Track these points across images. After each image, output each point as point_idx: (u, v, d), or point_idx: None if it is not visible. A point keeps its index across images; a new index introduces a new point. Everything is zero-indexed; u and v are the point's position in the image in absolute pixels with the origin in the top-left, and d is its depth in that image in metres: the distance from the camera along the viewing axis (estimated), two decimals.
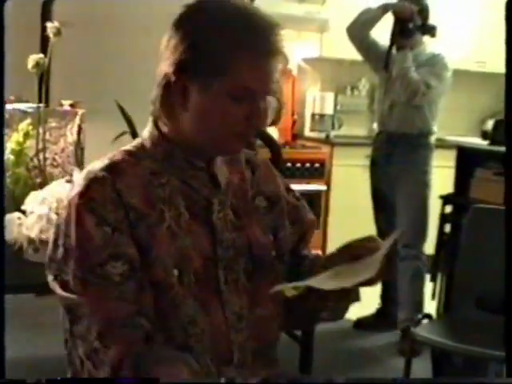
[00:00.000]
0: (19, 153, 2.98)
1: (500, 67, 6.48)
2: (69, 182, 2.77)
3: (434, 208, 4.77)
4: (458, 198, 4.48)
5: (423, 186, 4.66)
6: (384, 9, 4.78)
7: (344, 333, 4.81)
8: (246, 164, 1.81)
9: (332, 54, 6.56)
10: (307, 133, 6.81)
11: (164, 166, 1.64)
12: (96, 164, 1.61)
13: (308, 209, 1.91)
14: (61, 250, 1.56)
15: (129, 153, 1.66)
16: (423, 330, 3.39)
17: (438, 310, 4.63)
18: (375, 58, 4.95)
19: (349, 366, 4.25)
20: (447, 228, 4.72)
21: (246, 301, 1.67)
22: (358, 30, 4.91)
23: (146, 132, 1.69)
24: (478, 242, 3.67)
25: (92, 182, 1.55)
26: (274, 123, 4.18)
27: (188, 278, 1.58)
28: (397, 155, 4.77)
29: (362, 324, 4.95)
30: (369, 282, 1.55)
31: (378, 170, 4.92)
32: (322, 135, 6.66)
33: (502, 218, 3.70)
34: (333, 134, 6.68)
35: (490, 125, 6.42)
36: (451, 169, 4.76)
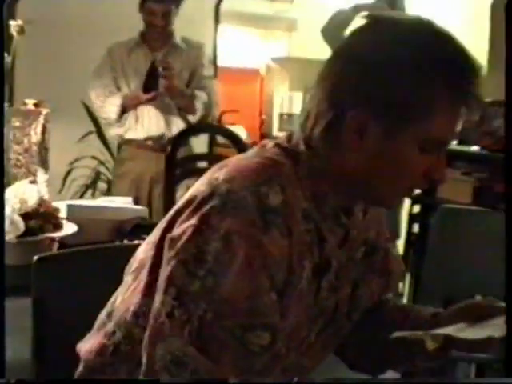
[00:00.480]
0: None
1: None
2: (32, 182, 2.72)
3: (403, 208, 4.76)
4: (425, 198, 4.48)
5: None
6: (355, 10, 4.77)
7: None
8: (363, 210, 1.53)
9: (300, 54, 6.54)
10: (275, 133, 6.78)
11: (311, 208, 1.35)
12: (253, 175, 1.28)
13: (397, 255, 1.68)
14: (197, 285, 1.23)
15: (285, 174, 1.33)
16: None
17: None
18: None
19: None
20: (415, 228, 4.72)
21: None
22: (332, 32, 4.91)
23: (295, 150, 1.37)
24: (446, 242, 3.67)
25: (266, 221, 1.24)
26: (204, 118, 4.15)
27: (279, 344, 1.30)
28: None
29: None
30: None
31: None
32: None
33: (469, 217, 3.73)
34: None
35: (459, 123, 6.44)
36: None
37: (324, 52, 6.25)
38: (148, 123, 4.04)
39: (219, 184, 1.27)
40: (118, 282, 1.47)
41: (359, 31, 1.35)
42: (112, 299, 1.46)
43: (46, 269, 1.74)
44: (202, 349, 1.22)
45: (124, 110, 4.02)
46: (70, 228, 2.56)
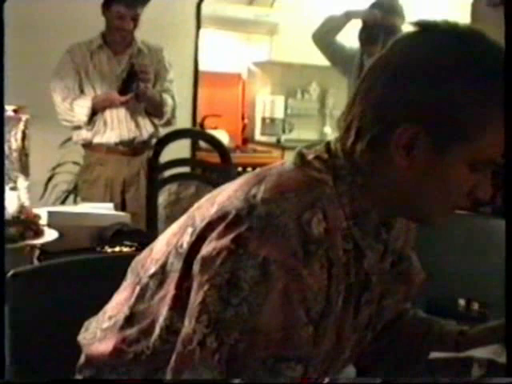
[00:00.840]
0: None
1: None
2: (13, 189, 2.70)
3: None
4: None
5: None
6: (347, 16, 4.77)
7: None
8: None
9: (282, 58, 6.56)
10: (258, 137, 6.78)
11: (350, 226, 1.28)
12: (297, 195, 1.23)
13: (418, 264, 1.57)
14: (231, 313, 1.17)
15: (327, 200, 1.26)
16: None
17: None
18: (341, 62, 4.94)
19: None
20: None
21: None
22: (323, 37, 4.89)
23: (336, 163, 1.30)
24: (428, 247, 3.67)
25: (308, 252, 1.18)
26: (169, 123, 4.15)
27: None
28: None
29: None
30: None
31: None
32: (273, 139, 6.65)
33: (450, 222, 3.72)
34: (283, 137, 6.68)
35: None
36: None
37: (305, 56, 6.26)
38: (118, 127, 4.01)
39: (258, 204, 1.21)
40: (92, 293, 1.44)
41: (406, 39, 1.28)
42: (122, 300, 1.41)
43: (19, 284, 1.71)
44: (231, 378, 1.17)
45: (94, 113, 4.00)
46: (50, 235, 2.55)
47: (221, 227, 1.20)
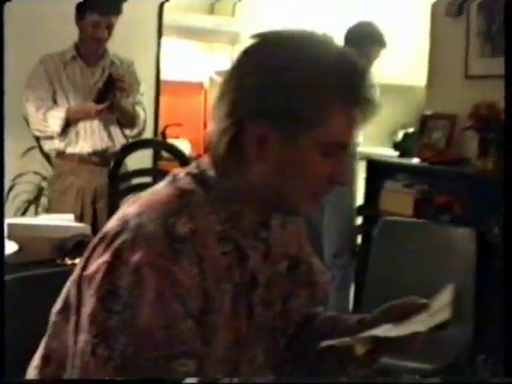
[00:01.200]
0: None
1: (412, 79, 6.60)
2: None
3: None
4: (368, 210, 4.52)
5: (349, 195, 4.57)
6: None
7: None
8: (280, 225, 1.56)
9: None
10: None
11: (227, 228, 1.38)
12: (165, 205, 1.32)
13: (322, 267, 1.67)
14: (115, 320, 1.24)
15: (196, 202, 1.36)
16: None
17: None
18: None
19: None
20: (358, 239, 4.76)
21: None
22: None
23: (205, 175, 1.40)
24: (388, 254, 3.71)
25: (175, 251, 1.27)
26: (139, 135, 4.17)
27: (209, 371, 1.33)
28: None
29: None
30: (441, 326, 1.34)
31: None
32: None
33: (410, 230, 3.78)
34: None
35: (400, 136, 6.51)
36: (362, 180, 4.81)
37: None
38: (91, 137, 4.00)
39: (129, 219, 1.30)
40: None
41: (251, 49, 1.38)
42: (43, 343, 1.45)
43: None
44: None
45: (67, 124, 3.99)
46: (9, 247, 2.54)
47: (100, 248, 1.30)
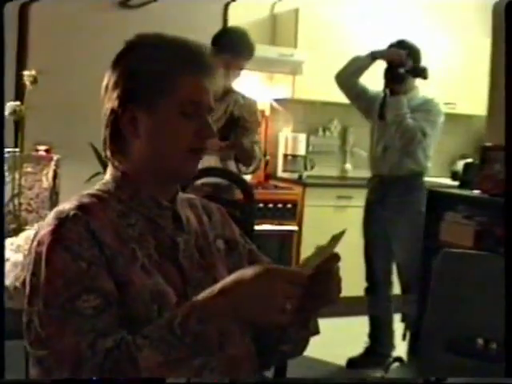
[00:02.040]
0: None
1: (469, 109, 6.62)
2: None
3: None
4: (427, 241, 4.53)
5: (418, 227, 4.59)
6: (372, 57, 4.81)
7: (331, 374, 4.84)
8: (202, 209, 1.87)
9: (304, 96, 6.63)
10: (280, 173, 6.84)
11: (130, 206, 1.68)
12: (65, 205, 1.62)
13: (260, 253, 1.95)
14: (27, 291, 1.55)
15: (95, 196, 1.68)
16: (393, 375, 3.42)
17: (408, 351, 4.67)
18: (365, 104, 5.00)
19: None
20: None
21: (213, 339, 1.54)
22: (347, 78, 4.94)
23: (107, 175, 1.73)
24: (447, 285, 3.71)
25: (64, 221, 1.56)
26: (254, 171, 4.28)
27: (167, 314, 1.54)
28: (391, 198, 4.82)
29: (353, 363, 4.99)
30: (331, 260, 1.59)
31: (372, 213, 4.97)
32: (295, 176, 6.71)
33: (471, 261, 3.78)
34: (305, 174, 6.73)
35: (459, 166, 6.51)
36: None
37: (327, 94, 6.33)
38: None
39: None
40: None
41: (120, 54, 1.72)
42: None
43: None
44: (48, 334, 1.48)
45: None
46: None
47: None
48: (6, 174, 3.08)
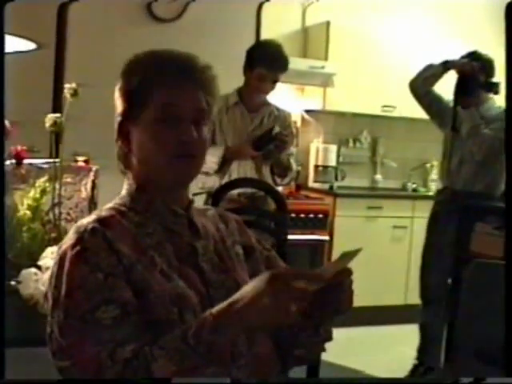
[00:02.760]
0: (35, 209, 3.06)
1: None
2: None
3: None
4: (459, 251, 4.55)
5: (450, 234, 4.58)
6: (445, 66, 4.78)
7: None
8: (219, 218, 1.92)
9: (335, 107, 6.72)
10: (311, 184, 6.91)
11: (147, 216, 1.73)
12: (84, 220, 1.68)
13: (278, 257, 2.00)
14: (50, 304, 1.61)
15: (113, 209, 1.74)
16: None
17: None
18: (438, 113, 4.98)
19: None
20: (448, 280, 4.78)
21: (242, 339, 1.62)
22: (419, 86, 4.92)
23: (123, 190, 1.80)
24: (479, 295, 3.74)
25: (83, 234, 1.61)
26: (289, 183, 4.34)
27: (189, 316, 1.61)
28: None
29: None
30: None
31: (438, 225, 4.92)
32: (326, 186, 6.78)
33: (501, 272, 3.81)
34: (336, 185, 6.80)
35: None
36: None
37: (357, 106, 6.37)
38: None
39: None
40: None
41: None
42: None
43: None
44: (69, 345, 1.54)
45: (224, 162, 4.18)
46: None
47: None
48: (47, 184, 3.14)
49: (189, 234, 1.78)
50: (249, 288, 1.50)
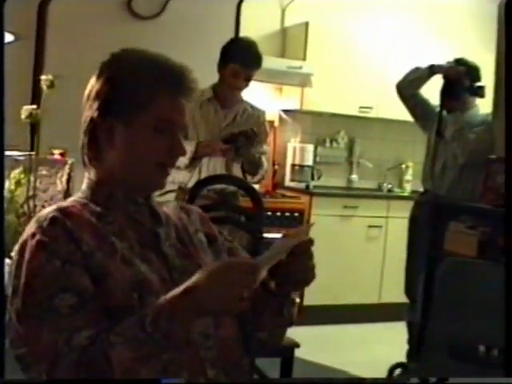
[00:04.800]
0: (10, 200, 3.06)
1: None
2: None
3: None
4: (432, 250, 4.59)
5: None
6: (431, 70, 4.83)
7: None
8: (181, 209, 1.96)
9: (312, 107, 6.73)
10: (287, 182, 6.92)
11: (108, 207, 1.75)
12: (45, 210, 1.71)
13: (241, 249, 2.04)
14: (10, 292, 1.63)
15: (74, 201, 1.77)
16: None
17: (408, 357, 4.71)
18: (422, 116, 5.03)
19: None
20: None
21: (209, 321, 1.72)
22: (405, 88, 4.98)
23: (83, 184, 1.81)
24: (451, 293, 3.78)
25: (43, 223, 1.64)
26: (259, 181, 4.35)
27: (150, 300, 1.62)
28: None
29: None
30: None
31: (418, 227, 4.96)
32: (302, 185, 6.78)
33: (473, 270, 3.85)
34: (312, 184, 6.81)
35: None
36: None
37: (335, 106, 6.40)
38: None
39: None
40: None
41: (102, 66, 1.77)
42: None
43: None
44: (27, 332, 1.56)
45: (194, 158, 4.18)
46: None
47: None
48: (22, 176, 3.15)
49: (150, 222, 1.80)
50: (202, 275, 1.54)
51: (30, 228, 1.65)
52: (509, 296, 1.58)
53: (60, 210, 1.68)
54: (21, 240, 1.65)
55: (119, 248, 1.68)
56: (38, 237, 1.62)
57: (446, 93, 4.73)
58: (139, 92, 1.72)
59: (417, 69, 4.94)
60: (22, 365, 1.58)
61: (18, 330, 1.58)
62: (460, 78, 4.69)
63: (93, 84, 1.76)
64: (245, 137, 4.15)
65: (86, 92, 1.77)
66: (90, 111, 1.74)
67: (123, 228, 1.74)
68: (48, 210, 1.68)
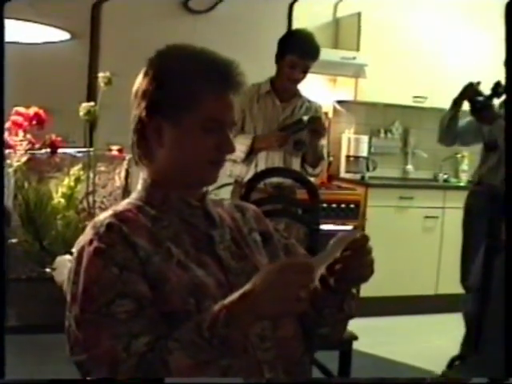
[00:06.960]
0: (70, 197, 3.12)
1: None
2: None
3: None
4: (490, 240, 4.55)
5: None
6: (454, 102, 4.88)
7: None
8: (235, 208, 1.94)
9: (366, 98, 6.71)
10: (342, 174, 6.91)
11: (162, 210, 1.75)
12: (101, 215, 1.71)
13: (298, 245, 2.02)
14: (68, 299, 1.64)
15: (130, 204, 1.77)
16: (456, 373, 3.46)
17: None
18: (474, 141, 5.09)
19: None
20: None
21: (266, 323, 1.70)
22: (446, 139, 5.07)
23: (139, 185, 1.82)
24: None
25: (99, 229, 1.64)
26: (318, 175, 4.36)
27: (207, 304, 1.62)
28: (499, 209, 4.78)
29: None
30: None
31: (471, 218, 4.98)
32: (357, 176, 6.78)
33: None
34: (367, 175, 6.80)
35: None
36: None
37: (389, 97, 6.35)
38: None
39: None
40: None
41: (149, 64, 1.76)
42: None
43: None
44: (85, 339, 1.57)
45: (251, 151, 4.21)
46: None
47: None
48: (81, 172, 3.19)
49: (205, 224, 1.80)
50: (258, 278, 1.53)
51: (87, 234, 1.66)
52: (509, 296, 1.56)
53: (116, 215, 1.69)
54: (78, 246, 1.67)
55: (175, 253, 1.69)
56: (95, 244, 1.62)
57: (473, 109, 4.72)
58: (185, 93, 1.71)
59: (442, 118, 5.03)
60: (82, 371, 1.59)
61: (77, 337, 1.59)
62: (476, 91, 4.69)
63: (140, 82, 1.76)
64: (309, 126, 4.15)
65: (134, 89, 1.77)
66: (137, 110, 1.74)
67: (178, 232, 1.74)
68: (104, 216, 1.69)
